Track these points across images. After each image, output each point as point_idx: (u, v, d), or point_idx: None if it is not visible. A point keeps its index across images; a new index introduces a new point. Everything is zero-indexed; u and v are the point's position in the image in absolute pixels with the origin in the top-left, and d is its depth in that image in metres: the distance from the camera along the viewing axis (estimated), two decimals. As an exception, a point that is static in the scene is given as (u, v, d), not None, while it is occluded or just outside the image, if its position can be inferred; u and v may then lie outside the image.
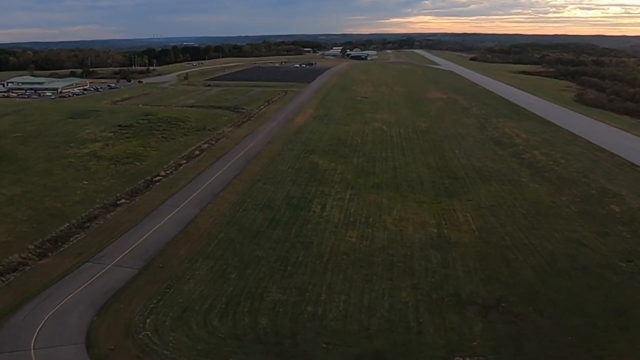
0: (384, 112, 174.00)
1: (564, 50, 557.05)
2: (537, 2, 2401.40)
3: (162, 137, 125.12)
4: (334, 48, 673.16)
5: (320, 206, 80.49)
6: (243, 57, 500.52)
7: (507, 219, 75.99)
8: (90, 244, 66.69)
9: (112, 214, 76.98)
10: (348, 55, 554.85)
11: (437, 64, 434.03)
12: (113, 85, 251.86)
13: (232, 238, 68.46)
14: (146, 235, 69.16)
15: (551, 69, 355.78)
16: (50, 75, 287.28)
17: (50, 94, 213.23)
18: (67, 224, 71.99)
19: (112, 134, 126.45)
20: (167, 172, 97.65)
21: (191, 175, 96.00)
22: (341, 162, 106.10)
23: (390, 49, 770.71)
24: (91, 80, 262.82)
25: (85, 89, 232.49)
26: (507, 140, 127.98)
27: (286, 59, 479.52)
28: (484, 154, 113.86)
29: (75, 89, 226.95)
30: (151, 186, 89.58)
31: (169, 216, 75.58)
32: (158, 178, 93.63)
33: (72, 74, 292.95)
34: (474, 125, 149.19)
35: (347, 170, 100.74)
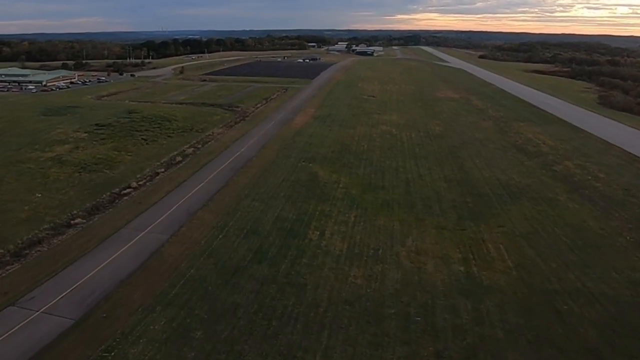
0: (393, 112, 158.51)
1: (575, 49, 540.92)
2: (544, 0, 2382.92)
3: (143, 139, 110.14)
4: (339, 43, 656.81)
5: (318, 232, 65.41)
6: (245, 51, 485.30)
7: (550, 252, 61.05)
8: (22, 280, 52.27)
9: (60, 237, 62.41)
10: (353, 50, 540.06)
11: (446, 61, 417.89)
12: (103, 78, 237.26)
13: (204, 276, 53.71)
14: (95, 269, 54.57)
15: (565, 69, 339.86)
16: (40, 67, 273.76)
17: (32, 87, 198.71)
18: (1, 251, 57.65)
19: (86, 134, 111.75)
20: (140, 182, 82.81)
21: (167, 187, 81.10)
22: (345, 173, 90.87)
23: (396, 45, 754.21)
24: (81, 73, 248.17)
25: (72, 82, 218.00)
26: (533, 148, 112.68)
27: (289, 54, 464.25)
28: (509, 165, 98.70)
29: (61, 82, 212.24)
30: (117, 201, 74.83)
31: (130, 243, 60.82)
32: (128, 190, 78.84)
33: (64, 66, 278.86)
34: (493, 130, 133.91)
35: (352, 183, 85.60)
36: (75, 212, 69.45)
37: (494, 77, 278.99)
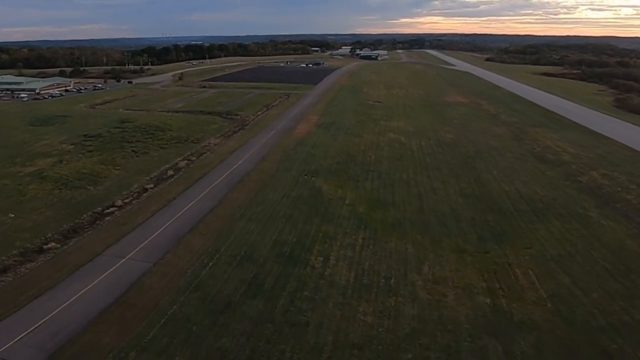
0: (401, 119, 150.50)
1: (582, 50, 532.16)
2: (547, 3, 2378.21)
3: (133, 150, 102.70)
4: (342, 47, 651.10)
5: (321, 258, 57.55)
6: (247, 57, 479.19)
7: (589, 280, 53.14)
8: (-22, 318, 44.97)
9: (29, 265, 55.07)
10: (358, 54, 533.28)
11: (452, 65, 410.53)
12: (99, 86, 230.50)
13: (188, 314, 46.03)
14: (63, 304, 47.12)
15: (575, 71, 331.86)
16: (37, 74, 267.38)
17: (24, 95, 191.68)
18: (-40, 283, 50.39)
19: (72, 146, 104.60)
20: (126, 200, 75.13)
21: (155, 206, 73.33)
22: (351, 188, 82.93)
23: (400, 48, 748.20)
24: (77, 81, 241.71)
25: (66, 90, 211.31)
26: (553, 157, 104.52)
27: (292, 59, 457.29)
28: (530, 176, 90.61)
29: (54, 90, 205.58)
30: (98, 222, 67.20)
31: (107, 273, 53.22)
32: (111, 210, 71.19)
33: (62, 73, 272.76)
34: (508, 136, 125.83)
35: (359, 199, 77.64)
36: (49, 235, 62.03)
37: (503, 80, 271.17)
